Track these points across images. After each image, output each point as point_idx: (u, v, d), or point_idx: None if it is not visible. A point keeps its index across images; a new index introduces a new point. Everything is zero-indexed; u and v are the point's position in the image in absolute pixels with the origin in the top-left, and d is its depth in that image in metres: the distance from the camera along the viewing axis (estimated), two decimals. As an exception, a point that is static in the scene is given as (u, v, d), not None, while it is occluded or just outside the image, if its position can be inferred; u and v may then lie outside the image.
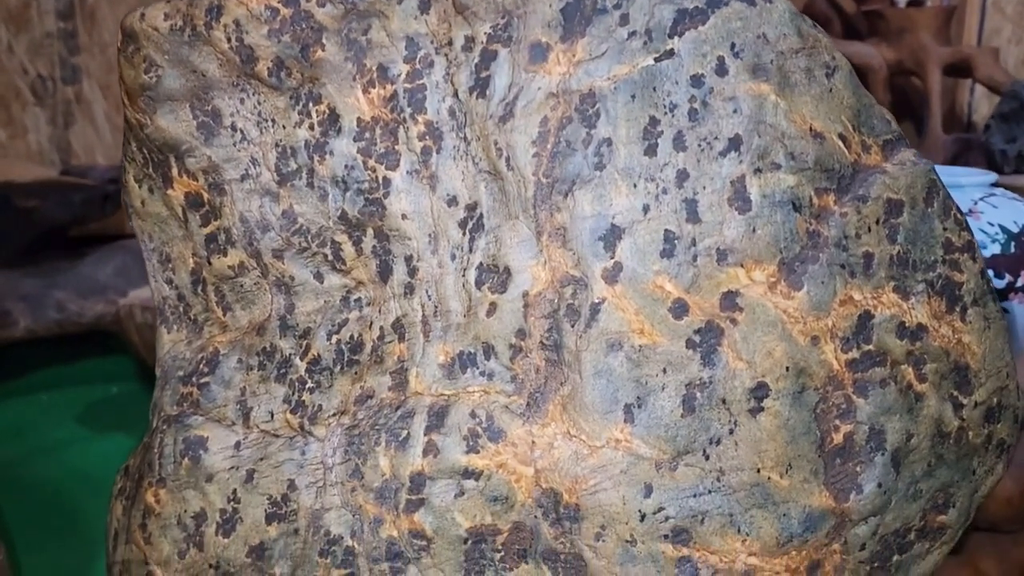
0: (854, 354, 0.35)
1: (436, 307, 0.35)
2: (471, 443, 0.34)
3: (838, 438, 0.35)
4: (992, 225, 0.69)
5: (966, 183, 0.71)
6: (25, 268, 1.18)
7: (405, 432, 0.35)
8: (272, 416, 0.37)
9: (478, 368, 0.35)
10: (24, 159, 1.49)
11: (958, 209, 0.37)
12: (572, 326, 0.33)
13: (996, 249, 0.68)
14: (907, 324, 0.35)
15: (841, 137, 0.35)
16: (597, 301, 0.33)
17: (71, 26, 1.50)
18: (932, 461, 0.37)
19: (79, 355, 1.34)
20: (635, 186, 0.33)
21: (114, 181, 1.32)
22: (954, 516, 0.38)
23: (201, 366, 0.38)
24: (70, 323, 1.18)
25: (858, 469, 0.35)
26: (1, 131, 1.50)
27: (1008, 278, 0.68)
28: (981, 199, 0.71)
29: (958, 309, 0.37)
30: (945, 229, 0.36)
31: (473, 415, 0.34)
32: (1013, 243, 0.68)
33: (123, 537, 0.40)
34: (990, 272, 0.38)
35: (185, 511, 0.37)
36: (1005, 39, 1.52)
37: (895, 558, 0.37)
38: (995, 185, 0.74)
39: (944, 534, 0.38)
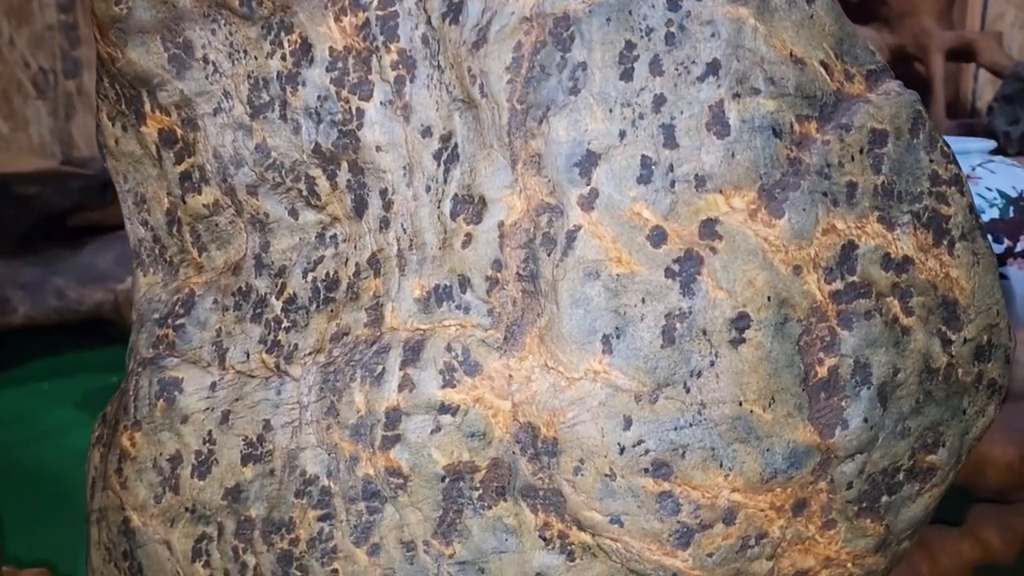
0: (838, 285, 0.34)
1: (411, 240, 0.34)
2: (447, 377, 0.34)
3: (822, 371, 0.34)
4: (990, 190, 0.68)
5: (964, 149, 0.70)
6: (25, 256, 1.19)
7: (380, 367, 0.34)
8: (248, 356, 0.37)
9: (454, 302, 0.34)
10: (26, 152, 1.50)
11: (945, 143, 0.36)
12: (548, 255, 0.33)
13: (994, 214, 0.67)
14: (892, 256, 0.35)
15: (823, 64, 0.34)
16: (573, 228, 0.32)
17: (72, 19, 1.50)
18: (920, 398, 0.36)
19: (79, 345, 1.34)
20: (611, 111, 0.32)
21: (114, 171, 1.33)
22: (944, 456, 0.37)
23: (177, 308, 0.37)
24: (69, 311, 1.18)
25: (843, 404, 0.34)
26: (3, 124, 1.50)
27: (1006, 243, 0.67)
28: (980, 165, 0.70)
29: (945, 243, 0.36)
30: (931, 161, 0.36)
31: (449, 349, 0.34)
32: (1012, 208, 0.67)
33: (100, 484, 0.39)
34: (988, 238, 0.37)
35: (160, 454, 0.37)
36: (1008, 24, 1.51)
37: (884, 499, 0.37)
38: (994, 153, 0.73)
39: (934, 475, 0.38)
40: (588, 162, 0.32)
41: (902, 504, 0.37)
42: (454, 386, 0.34)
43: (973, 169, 0.70)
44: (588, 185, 0.32)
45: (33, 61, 1.51)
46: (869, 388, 0.34)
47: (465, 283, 0.34)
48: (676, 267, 0.33)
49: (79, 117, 1.52)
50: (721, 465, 0.34)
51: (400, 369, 0.34)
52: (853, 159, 0.34)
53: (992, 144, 0.72)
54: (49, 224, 1.22)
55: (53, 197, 1.18)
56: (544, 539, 0.34)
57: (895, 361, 0.35)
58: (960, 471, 0.63)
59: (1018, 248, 0.66)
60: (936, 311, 0.36)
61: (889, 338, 0.35)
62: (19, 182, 1.17)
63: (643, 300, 0.33)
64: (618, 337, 0.33)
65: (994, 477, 0.61)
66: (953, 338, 0.36)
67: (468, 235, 0.34)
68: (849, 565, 0.38)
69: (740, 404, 0.33)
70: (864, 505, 0.36)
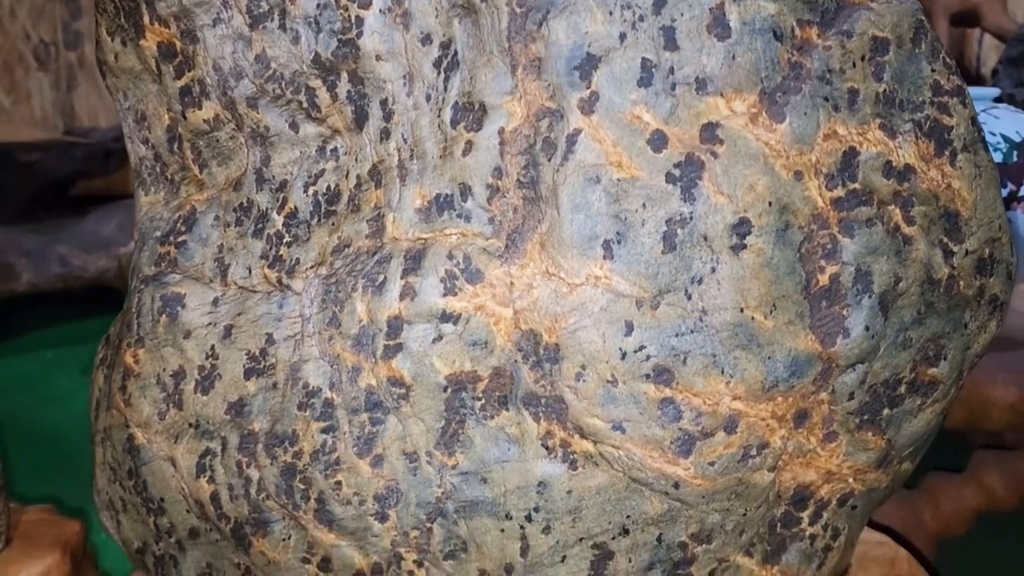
0: (839, 192, 0.34)
1: (412, 150, 0.34)
2: (448, 285, 0.34)
3: (823, 279, 0.34)
4: (994, 135, 0.67)
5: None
6: (28, 224, 1.19)
7: (382, 276, 0.34)
8: (250, 272, 0.37)
9: (455, 210, 0.34)
10: (28, 123, 1.50)
11: (947, 53, 0.36)
12: (549, 160, 0.33)
13: (998, 158, 0.67)
14: (894, 164, 0.34)
15: (824, -30, 0.34)
16: (573, 132, 0.32)
17: (72, -11, 1.50)
18: (922, 309, 0.36)
19: (83, 314, 1.35)
20: (611, 13, 0.32)
21: (116, 140, 1.33)
22: (946, 370, 0.37)
23: (178, 225, 0.37)
24: (73, 277, 1.18)
25: (844, 312, 0.34)
26: (5, 96, 1.50)
27: (1010, 187, 0.66)
28: (984, 111, 0.70)
29: (947, 153, 0.36)
30: (933, 71, 0.36)
31: (450, 257, 0.34)
32: (1016, 152, 0.67)
33: (104, 404, 0.40)
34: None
35: (164, 370, 0.37)
36: (1013, -12, 1.50)
37: (885, 412, 0.37)
38: (997, 100, 0.73)
39: (936, 389, 0.38)
40: (588, 65, 0.32)
41: (903, 418, 0.37)
42: (455, 294, 0.34)
43: (977, 115, 0.69)
44: (588, 88, 0.32)
45: (34, 33, 1.51)
46: (871, 296, 0.34)
47: (466, 191, 0.34)
48: (677, 172, 0.33)
49: (81, 89, 1.51)
50: (722, 372, 0.34)
51: (401, 278, 0.34)
52: (854, 65, 0.34)
53: (996, 92, 0.72)
54: (52, 191, 1.22)
55: (55, 164, 1.18)
56: (546, 448, 0.34)
57: (896, 270, 0.35)
58: (962, 413, 0.64)
59: (1022, 192, 0.66)
60: (938, 222, 0.36)
61: (891, 247, 0.35)
62: (21, 150, 1.17)
63: (644, 205, 0.33)
64: (619, 242, 0.33)
65: (996, 418, 0.61)
66: (955, 249, 0.36)
67: (469, 143, 0.33)
68: (850, 480, 0.38)
69: (741, 311, 0.33)
70: (865, 417, 0.36)
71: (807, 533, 0.38)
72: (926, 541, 0.65)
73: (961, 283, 0.37)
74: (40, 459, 0.91)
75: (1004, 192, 0.65)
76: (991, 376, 0.62)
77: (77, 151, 1.21)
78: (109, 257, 1.19)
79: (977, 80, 1.51)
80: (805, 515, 0.38)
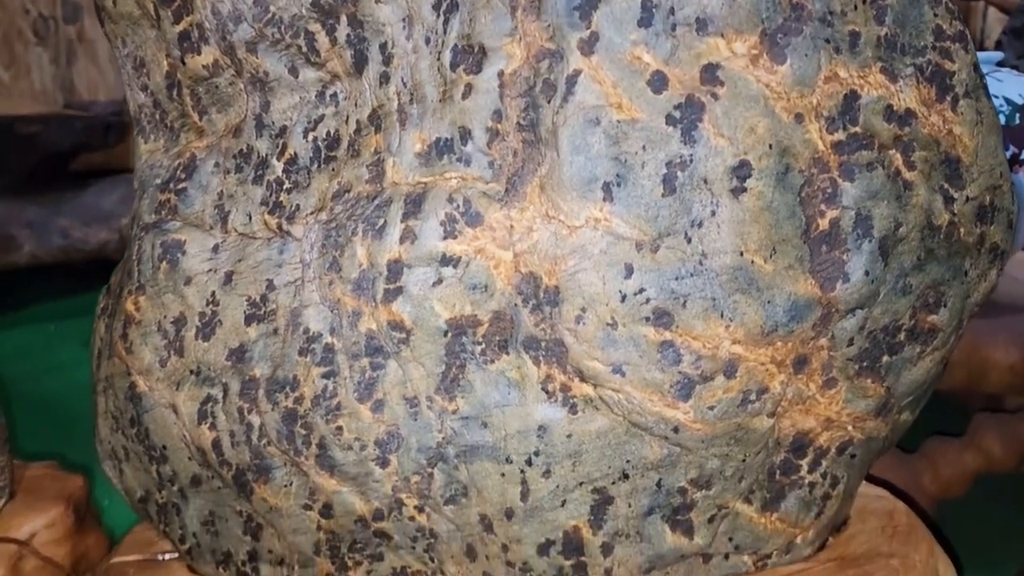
0: (840, 135, 0.34)
1: (412, 94, 0.34)
2: (448, 228, 0.34)
3: (824, 224, 0.34)
4: (997, 97, 0.67)
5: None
6: (29, 196, 1.19)
7: (382, 220, 0.34)
8: (250, 218, 0.37)
9: (455, 154, 0.34)
10: (28, 98, 1.49)
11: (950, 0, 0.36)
12: (548, 102, 0.33)
13: (1001, 121, 0.66)
14: (895, 108, 0.34)
15: (826, -88, 0.34)
16: (573, 73, 0.32)
17: (71, -37, 1.49)
18: (922, 255, 0.36)
19: (85, 287, 1.35)
20: (611, -47, 0.32)
21: (116, 113, 1.32)
22: (945, 318, 0.37)
23: (178, 172, 0.37)
24: (74, 250, 1.18)
25: (844, 257, 0.34)
26: (4, 71, 1.50)
27: (1012, 150, 0.66)
28: (987, 74, 0.69)
29: (949, 99, 0.36)
30: (936, 15, 0.35)
31: (450, 200, 0.34)
32: (1018, 115, 0.67)
33: (105, 353, 0.40)
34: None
35: (165, 317, 0.37)
36: (1018, -39, 1.49)
37: (885, 359, 0.37)
38: (1000, 64, 0.72)
39: (935, 337, 0.38)
40: (588, 5, 0.32)
41: (903, 366, 0.37)
42: (455, 237, 0.34)
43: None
44: (588, 29, 0.32)
45: (33, 7, 1.50)
46: (871, 241, 0.34)
47: (466, 135, 0.34)
48: (677, 113, 0.32)
49: (80, 63, 1.51)
50: (722, 316, 0.34)
51: (401, 221, 0.34)
52: (856, 8, 0.34)
53: (999, 56, 0.71)
54: (53, 164, 1.21)
55: (55, 137, 1.18)
56: (546, 392, 0.34)
57: (897, 215, 0.35)
58: (962, 375, 0.64)
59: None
60: (938, 167, 0.36)
61: (891, 191, 0.35)
62: (21, 122, 1.16)
63: (644, 147, 0.33)
64: (619, 185, 0.33)
65: (996, 380, 0.61)
66: (955, 196, 0.36)
67: (468, 85, 0.33)
68: (849, 428, 0.38)
69: (741, 254, 0.33)
70: (865, 364, 0.36)
71: (806, 481, 0.38)
72: (925, 503, 0.66)
73: (962, 230, 0.37)
74: (43, 426, 0.91)
75: (1006, 155, 0.65)
76: (991, 338, 0.62)
77: (77, 124, 1.21)
78: (110, 230, 1.19)
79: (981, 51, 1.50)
80: (804, 463, 0.38)
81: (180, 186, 0.37)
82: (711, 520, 0.37)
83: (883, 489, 0.47)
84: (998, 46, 1.24)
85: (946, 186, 0.36)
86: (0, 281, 1.24)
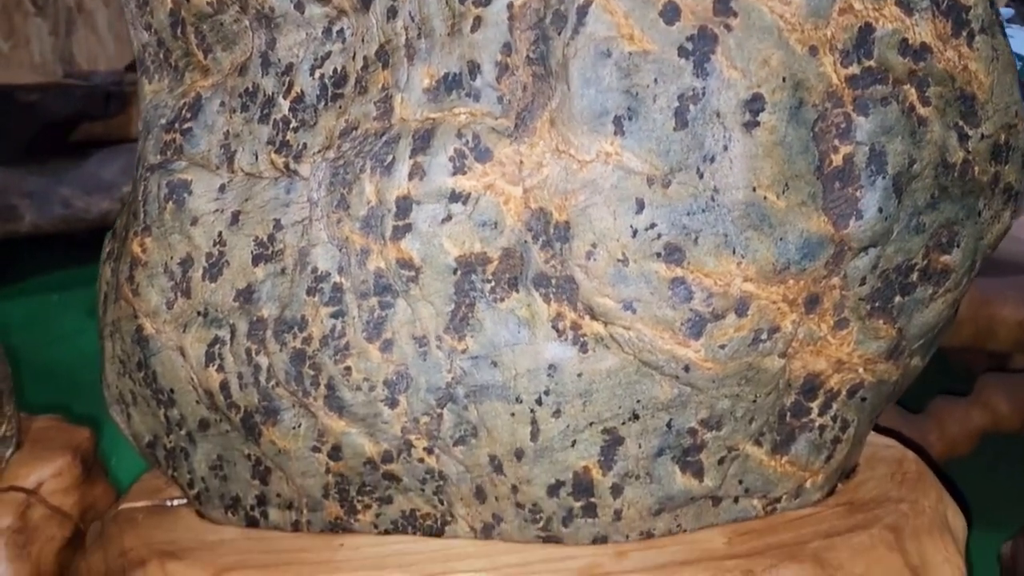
0: (854, 69, 0.33)
1: (419, 28, 0.34)
2: (458, 164, 0.33)
3: (837, 159, 0.34)
4: (1006, 54, 0.66)
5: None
6: (30, 165, 1.18)
7: (390, 156, 0.34)
8: (256, 158, 0.36)
9: (464, 89, 0.33)
10: (27, 69, 1.48)
11: (965, -68, 0.35)
12: (559, 34, 0.32)
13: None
14: (910, 42, 0.34)
15: None
16: (584, 3, 0.32)
17: (69, -69, 1.47)
18: (936, 192, 0.35)
19: (88, 259, 1.35)
20: None
21: (116, 83, 1.31)
22: (958, 258, 0.37)
23: (184, 112, 0.37)
24: (76, 219, 1.18)
25: (858, 194, 0.34)
26: (3, 42, 1.49)
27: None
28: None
29: (964, 34, 0.35)
30: (951, -52, 0.35)
31: (459, 136, 0.33)
32: (1028, 71, 0.66)
33: (112, 297, 0.39)
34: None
35: (171, 258, 0.37)
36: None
37: (897, 299, 0.36)
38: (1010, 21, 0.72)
39: (948, 279, 0.37)
40: (600, -66, 0.31)
41: (915, 307, 0.37)
42: (465, 173, 0.33)
43: None
44: (600, -42, 0.32)
45: (31, -23, 1.49)
46: (884, 178, 0.34)
47: (475, 69, 0.33)
48: (689, 45, 0.32)
49: (79, 33, 1.50)
50: (734, 252, 0.33)
51: (410, 157, 0.33)
52: (871, -61, 0.33)
53: (1010, 12, 0.71)
54: (53, 133, 1.21)
55: (55, 105, 1.17)
56: (557, 330, 0.34)
57: (911, 151, 0.34)
58: (970, 331, 0.64)
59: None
60: (953, 104, 0.35)
61: (905, 127, 0.34)
62: (21, 91, 1.16)
63: (656, 80, 0.32)
64: (630, 118, 0.32)
65: (1004, 336, 0.61)
66: (970, 133, 0.36)
67: (477, 18, 0.33)
68: (860, 370, 0.38)
69: (754, 190, 0.33)
70: (877, 304, 0.36)
71: (816, 424, 0.38)
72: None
73: (976, 168, 0.36)
74: (49, 395, 0.91)
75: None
76: (999, 295, 0.62)
77: (77, 93, 1.20)
78: (112, 200, 1.19)
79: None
80: (815, 405, 0.37)
81: (185, 126, 0.37)
82: (721, 462, 0.37)
83: (892, 439, 0.47)
84: (1009, 2, 1.23)
85: (961, 123, 0.35)
86: (2, 252, 1.24)
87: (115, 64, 1.48)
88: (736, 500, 0.38)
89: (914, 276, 0.36)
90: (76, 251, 1.36)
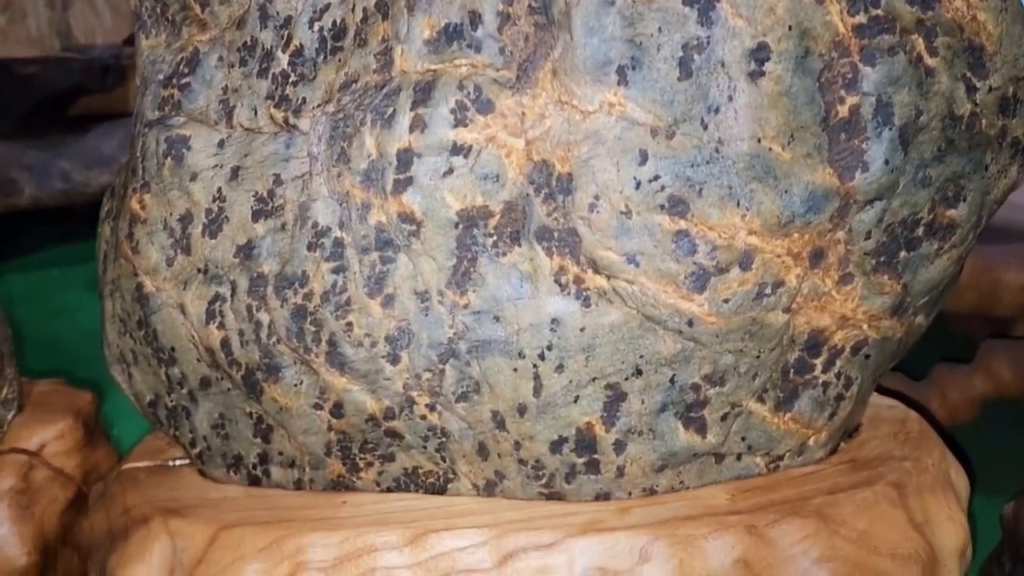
0: (861, 18, 0.33)
1: (420, -22, 0.33)
2: (459, 116, 0.33)
3: (843, 111, 0.33)
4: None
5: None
6: (29, 139, 1.18)
7: (391, 109, 0.33)
8: (255, 113, 0.36)
9: (465, 40, 0.33)
10: (24, 44, 1.47)
11: None
12: (562, -19, 0.32)
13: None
14: (918, -10, 0.33)
15: None
16: (587, -50, 0.31)
17: (65, -98, 1.46)
18: (943, 145, 0.35)
19: (87, 234, 1.35)
20: None
21: (115, 57, 1.31)
22: (964, 213, 0.37)
23: (181, 67, 0.36)
24: (75, 193, 1.17)
25: (864, 146, 0.34)
26: (0, 16, 1.47)
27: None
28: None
29: (973, -17, 0.35)
30: None
31: (461, 87, 0.33)
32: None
33: (112, 255, 0.39)
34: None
35: (171, 214, 0.37)
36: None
37: (902, 254, 0.36)
38: None
39: (953, 234, 0.37)
40: None
41: (920, 263, 0.37)
42: (466, 125, 0.33)
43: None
44: (603, -97, 0.31)
45: (27, -50, 1.47)
46: (891, 129, 0.34)
47: (476, 19, 0.33)
48: (694, -7, 0.32)
49: (77, 6, 1.48)
50: (738, 204, 0.33)
51: (411, 110, 0.33)
52: None
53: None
54: (51, 106, 1.20)
55: (53, 78, 1.16)
56: (559, 284, 0.34)
57: (918, 102, 0.34)
58: (972, 296, 0.63)
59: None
60: (961, 55, 0.35)
61: (913, 77, 0.34)
62: (18, 64, 1.15)
63: (660, 29, 0.32)
64: (634, 68, 0.32)
65: (1008, 301, 0.61)
66: (978, 85, 0.35)
67: (478, -33, 0.32)
68: (865, 327, 0.37)
69: (758, 141, 0.33)
70: (882, 259, 0.36)
71: (820, 381, 0.38)
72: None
73: (983, 121, 0.36)
74: (49, 366, 0.91)
75: None
76: (1004, 259, 0.61)
77: (75, 65, 1.19)
78: (111, 173, 1.18)
79: None
80: (818, 362, 0.37)
81: (183, 81, 0.36)
82: (724, 418, 0.36)
83: (895, 400, 0.47)
84: None
85: (969, 75, 0.35)
86: (2, 226, 1.24)
87: (113, 38, 1.47)
88: (739, 457, 0.38)
89: (919, 231, 0.36)
90: (75, 225, 1.36)
